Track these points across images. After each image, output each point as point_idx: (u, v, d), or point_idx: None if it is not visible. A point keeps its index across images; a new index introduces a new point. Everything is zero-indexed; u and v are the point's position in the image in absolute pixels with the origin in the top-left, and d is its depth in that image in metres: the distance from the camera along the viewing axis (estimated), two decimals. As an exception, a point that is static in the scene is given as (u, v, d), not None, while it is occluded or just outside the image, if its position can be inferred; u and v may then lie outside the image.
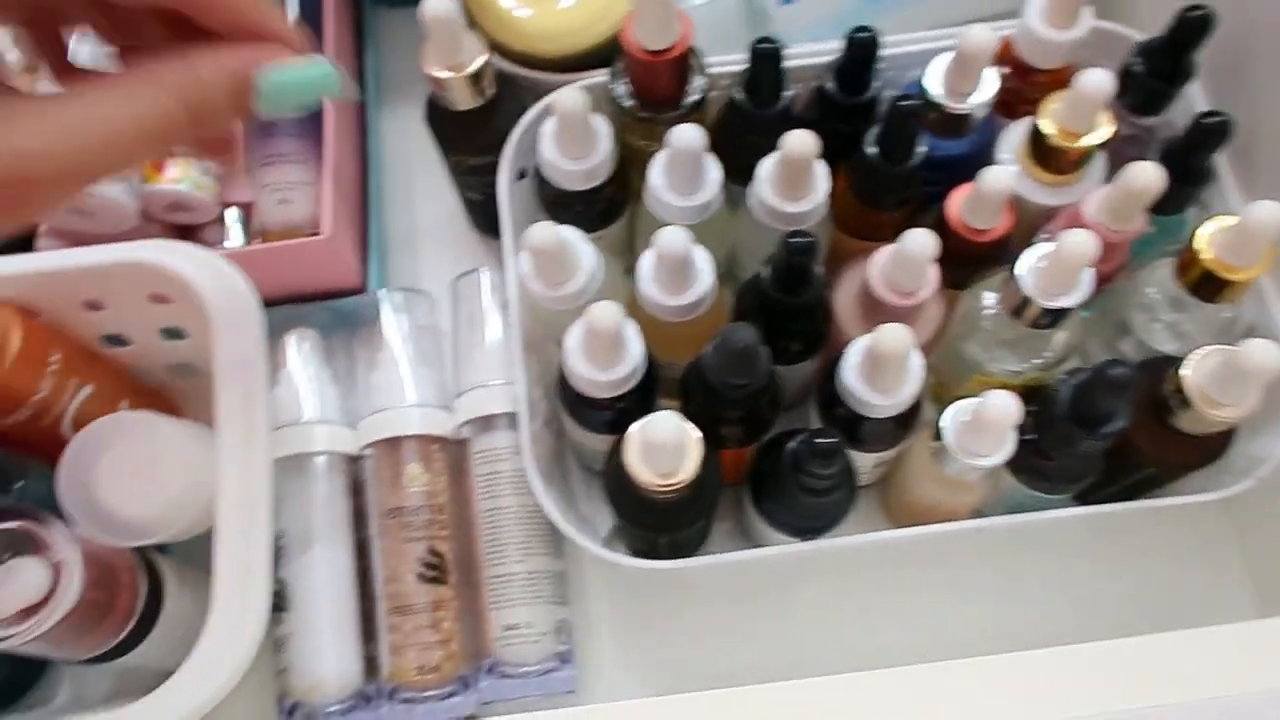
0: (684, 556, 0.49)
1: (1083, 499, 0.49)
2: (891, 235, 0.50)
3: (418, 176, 0.63)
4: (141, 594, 0.44)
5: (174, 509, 0.41)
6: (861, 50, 0.45)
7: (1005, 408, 0.40)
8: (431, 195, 0.62)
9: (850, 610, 0.54)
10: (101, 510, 0.40)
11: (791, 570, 0.54)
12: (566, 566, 0.53)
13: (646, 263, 0.44)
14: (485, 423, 0.52)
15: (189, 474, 0.42)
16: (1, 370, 0.45)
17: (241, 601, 0.41)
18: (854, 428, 0.45)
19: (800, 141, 0.42)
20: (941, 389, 0.51)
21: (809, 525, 0.45)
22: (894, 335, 0.39)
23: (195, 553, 0.48)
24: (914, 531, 0.46)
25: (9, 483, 0.44)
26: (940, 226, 0.47)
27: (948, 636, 0.53)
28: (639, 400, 0.47)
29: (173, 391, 0.55)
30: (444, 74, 0.47)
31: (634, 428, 0.41)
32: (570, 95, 0.43)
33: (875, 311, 0.47)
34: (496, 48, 0.53)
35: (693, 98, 0.47)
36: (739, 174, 0.47)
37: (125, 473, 0.42)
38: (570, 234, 0.44)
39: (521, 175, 0.52)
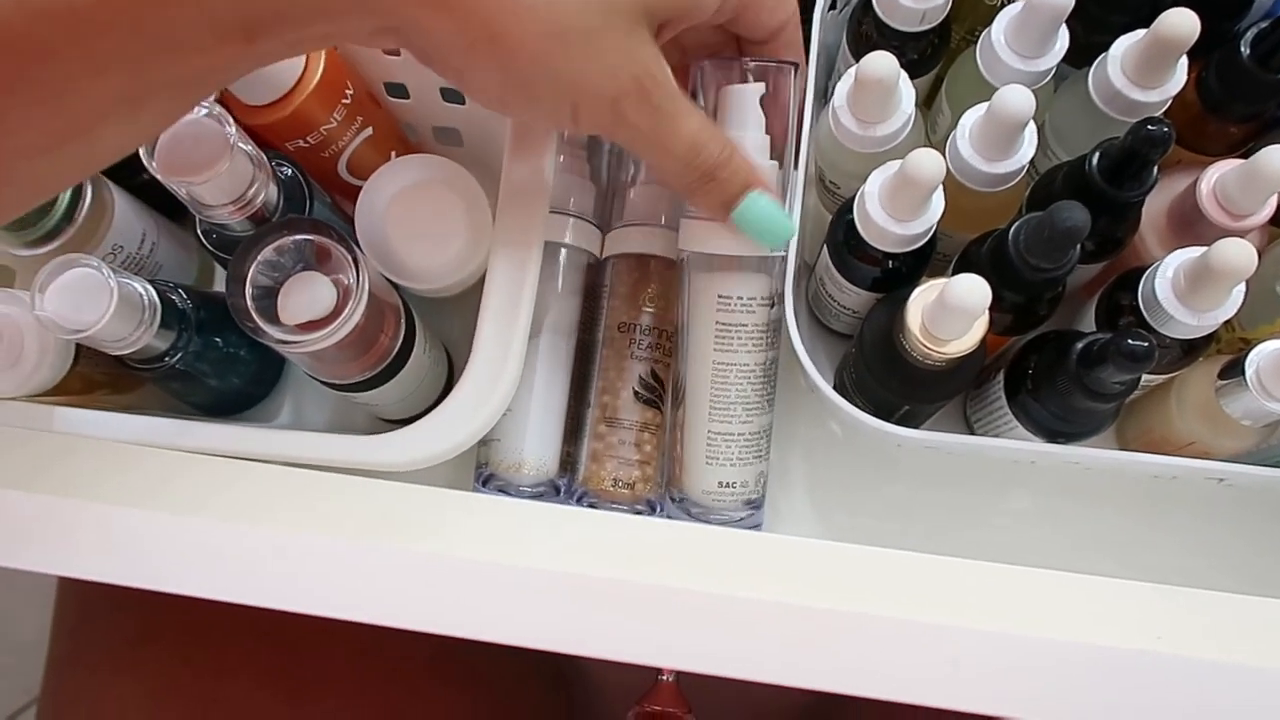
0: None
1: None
2: (1224, 151, 0.47)
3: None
4: (399, 338, 0.45)
5: (454, 265, 0.42)
6: (1270, -66, 0.40)
7: (1336, 356, 0.37)
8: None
9: (1055, 531, 0.52)
10: (391, 252, 0.41)
11: (1008, 471, 0.53)
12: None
13: (970, 121, 0.42)
14: (727, 262, 0.50)
15: (469, 233, 0.42)
16: (303, 94, 0.46)
17: (500, 363, 0.41)
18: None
19: (1183, 21, 0.38)
20: (1229, 326, 0.48)
21: (1068, 429, 0.43)
22: (1241, 251, 0.36)
23: (434, 317, 0.49)
24: (1171, 461, 0.44)
25: (305, 200, 0.45)
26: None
27: (1153, 578, 0.51)
28: (915, 263, 0.45)
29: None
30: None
31: (929, 288, 0.39)
32: (940, -79, 0.40)
33: (1189, 230, 0.44)
34: None
35: (1061, -48, 0.43)
36: (1078, 51, 0.43)
37: (413, 219, 0.42)
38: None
39: (834, 5, 0.50)
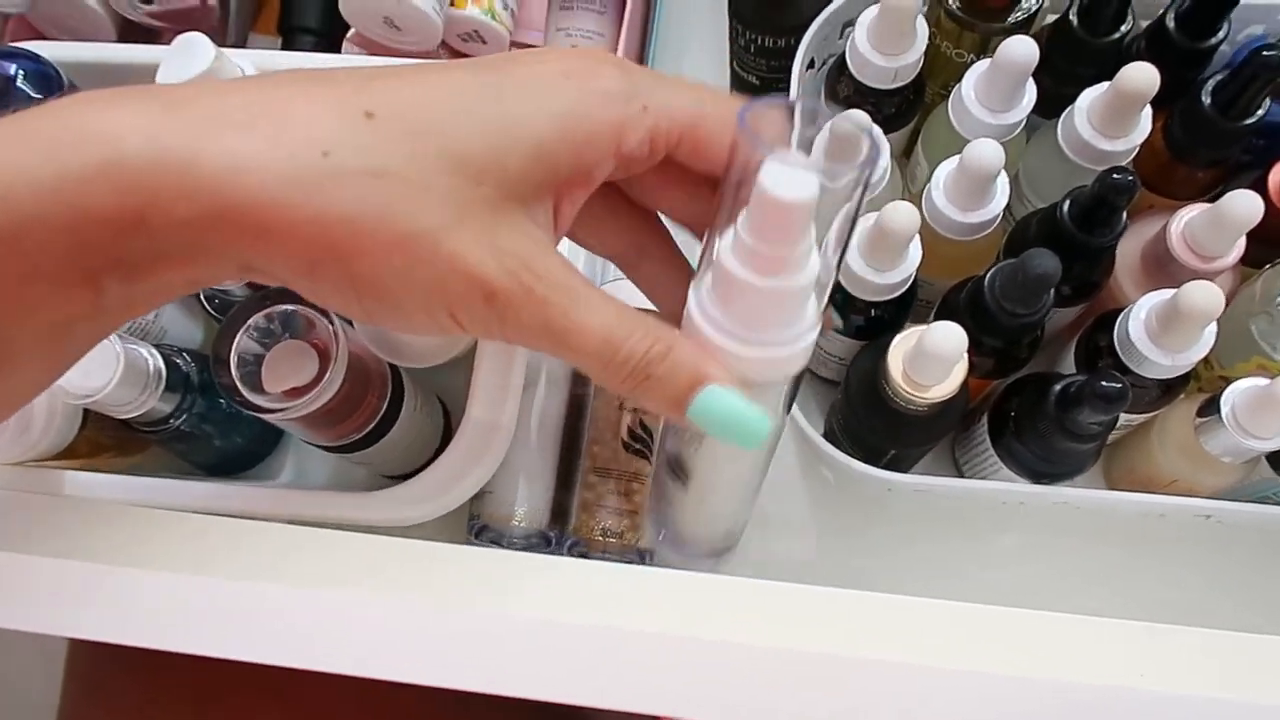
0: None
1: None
2: (1191, 194, 0.48)
3: (689, 54, 0.63)
4: (386, 399, 0.47)
5: (447, 339, 0.43)
6: (1225, -9, 0.42)
7: (1306, 393, 0.38)
8: (700, 74, 0.62)
9: (1046, 568, 0.53)
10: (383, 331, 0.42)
11: (994, 513, 0.53)
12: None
13: (943, 174, 0.43)
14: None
15: None
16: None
17: (494, 422, 0.42)
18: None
19: (1143, 75, 0.40)
20: (1207, 364, 0.49)
21: (1051, 470, 0.44)
22: (1207, 294, 0.38)
23: (428, 369, 0.50)
24: (1157, 499, 0.45)
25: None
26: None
27: (1143, 614, 0.51)
28: (896, 310, 0.46)
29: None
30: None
31: (908, 335, 0.41)
32: (907, -13, 0.42)
33: (1162, 271, 0.45)
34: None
35: (1024, 12, 0.45)
36: (1047, 102, 0.45)
37: None
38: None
39: (811, 65, 0.51)
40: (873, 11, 0.44)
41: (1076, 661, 0.36)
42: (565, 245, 0.45)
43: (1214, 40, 0.44)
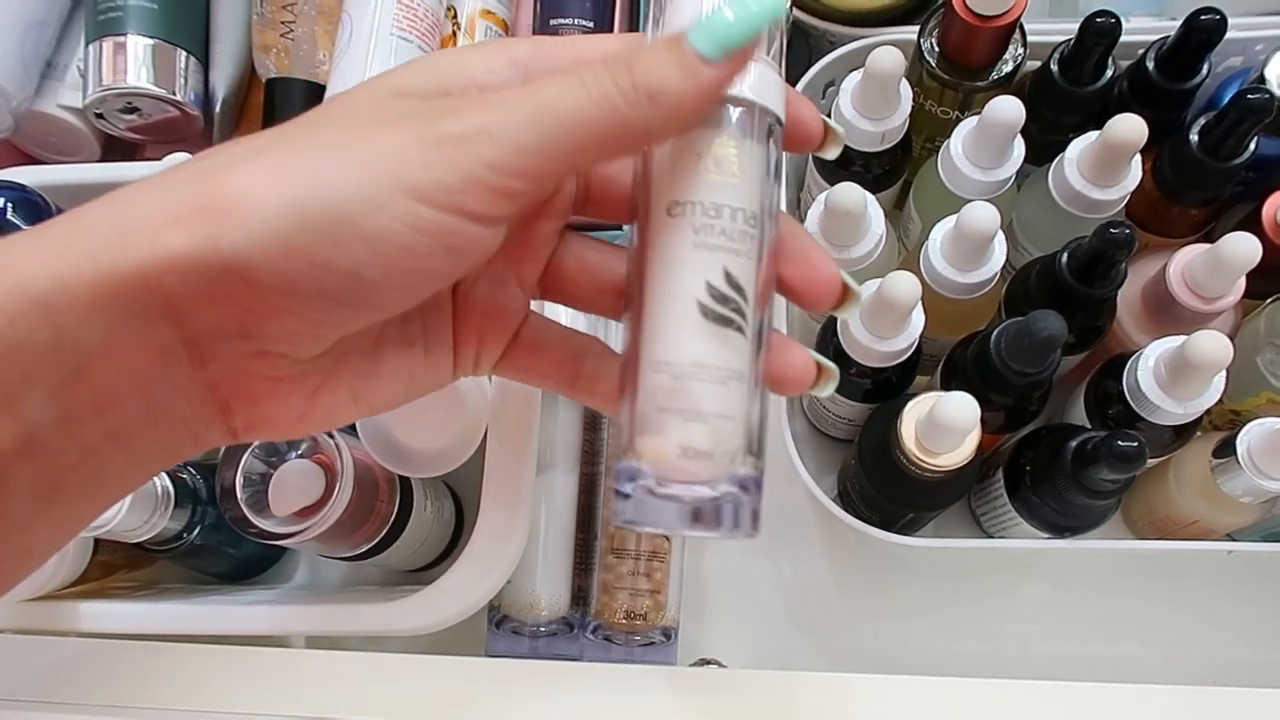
0: (913, 533, 0.48)
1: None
2: (1186, 232, 0.48)
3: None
4: (395, 504, 0.46)
5: (455, 447, 0.43)
6: (1204, 34, 0.42)
7: (1322, 434, 0.37)
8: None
9: (1074, 614, 0.52)
10: (392, 441, 0.42)
11: (1017, 565, 0.53)
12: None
13: (940, 235, 0.43)
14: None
15: (470, 413, 0.43)
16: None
17: (509, 519, 0.42)
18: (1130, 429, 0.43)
19: (1130, 126, 0.40)
20: (1218, 400, 0.49)
21: (1070, 524, 0.44)
22: (1216, 344, 0.37)
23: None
24: (1174, 545, 0.45)
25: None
26: (1248, 230, 0.44)
27: (1173, 656, 0.51)
28: (903, 373, 0.46)
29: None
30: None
31: (920, 403, 0.40)
32: (889, 54, 0.42)
33: (1164, 313, 0.45)
34: (785, -7, 0.52)
35: (1006, 68, 0.45)
36: (1035, 149, 0.45)
37: (415, 408, 0.43)
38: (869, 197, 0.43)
39: (796, 128, 0.51)
40: (855, 77, 0.44)
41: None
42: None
43: (1196, 81, 0.44)
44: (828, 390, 0.27)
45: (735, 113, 0.23)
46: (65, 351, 0.19)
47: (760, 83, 0.23)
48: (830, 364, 0.26)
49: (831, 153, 0.26)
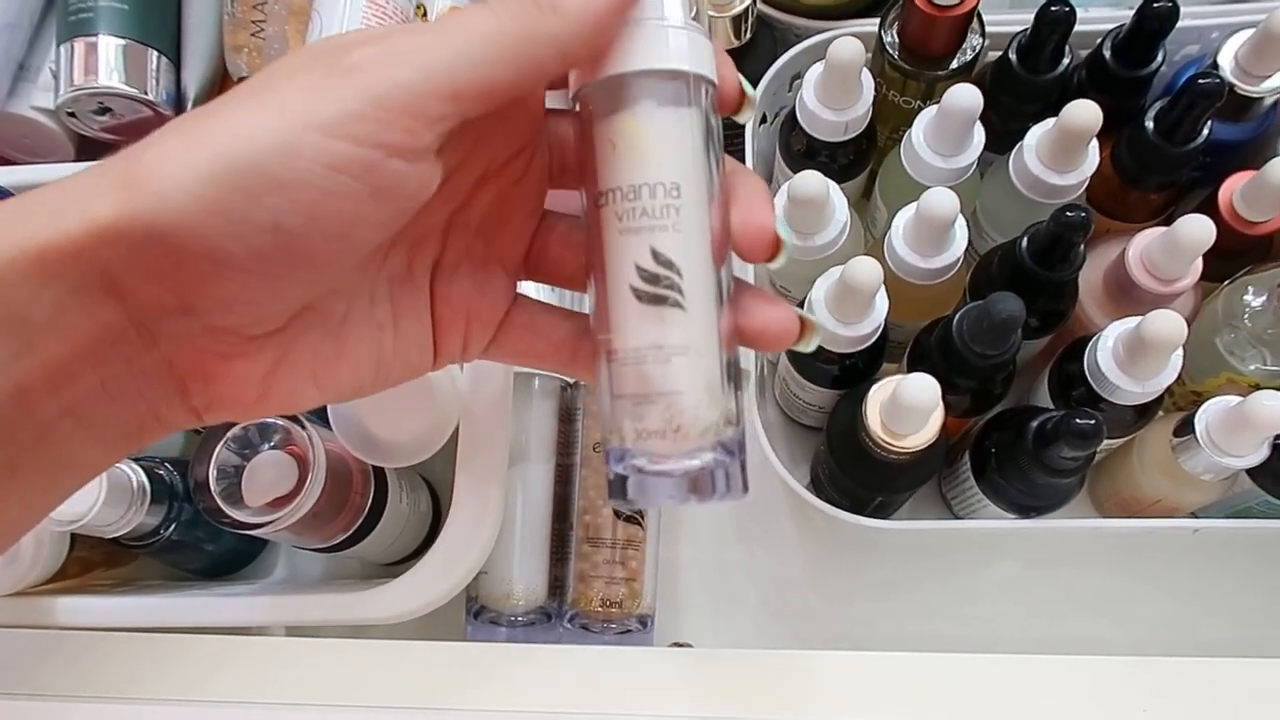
0: (885, 517, 0.49)
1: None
2: (1146, 217, 0.49)
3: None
4: (370, 496, 0.47)
5: (426, 437, 0.43)
6: (1156, 22, 0.43)
7: (1276, 409, 0.38)
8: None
9: (1043, 594, 0.53)
10: (364, 431, 0.43)
11: (988, 546, 0.54)
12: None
13: (902, 222, 0.44)
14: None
15: (443, 403, 0.44)
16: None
17: (481, 507, 0.42)
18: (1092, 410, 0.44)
19: (1085, 112, 0.41)
20: (1179, 381, 0.49)
21: (1035, 504, 0.45)
22: (1170, 324, 0.38)
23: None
24: (1140, 523, 0.45)
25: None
26: (1205, 213, 0.45)
27: (1142, 633, 0.52)
28: (870, 359, 0.47)
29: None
30: (709, 12, 0.47)
31: (884, 386, 0.41)
32: (848, 45, 0.42)
33: (1125, 296, 0.46)
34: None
35: (965, 58, 0.46)
36: (997, 138, 0.46)
37: (387, 398, 0.43)
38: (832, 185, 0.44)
39: (764, 120, 0.52)
40: (818, 68, 0.45)
41: (1073, 703, 0.36)
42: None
43: (1151, 68, 0.45)
44: (812, 345, 0.27)
45: (648, 84, 0.23)
46: (16, 326, 0.20)
47: (678, 48, 0.23)
48: (812, 317, 0.26)
49: (745, 115, 0.26)
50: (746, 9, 0.48)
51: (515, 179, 0.27)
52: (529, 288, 0.29)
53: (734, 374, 0.25)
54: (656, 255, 0.23)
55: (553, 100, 0.27)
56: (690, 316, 0.23)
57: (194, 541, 0.50)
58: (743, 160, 0.52)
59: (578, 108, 0.24)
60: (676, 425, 0.24)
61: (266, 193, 0.20)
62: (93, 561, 0.49)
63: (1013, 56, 0.46)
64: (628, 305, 0.23)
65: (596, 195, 0.24)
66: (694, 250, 0.23)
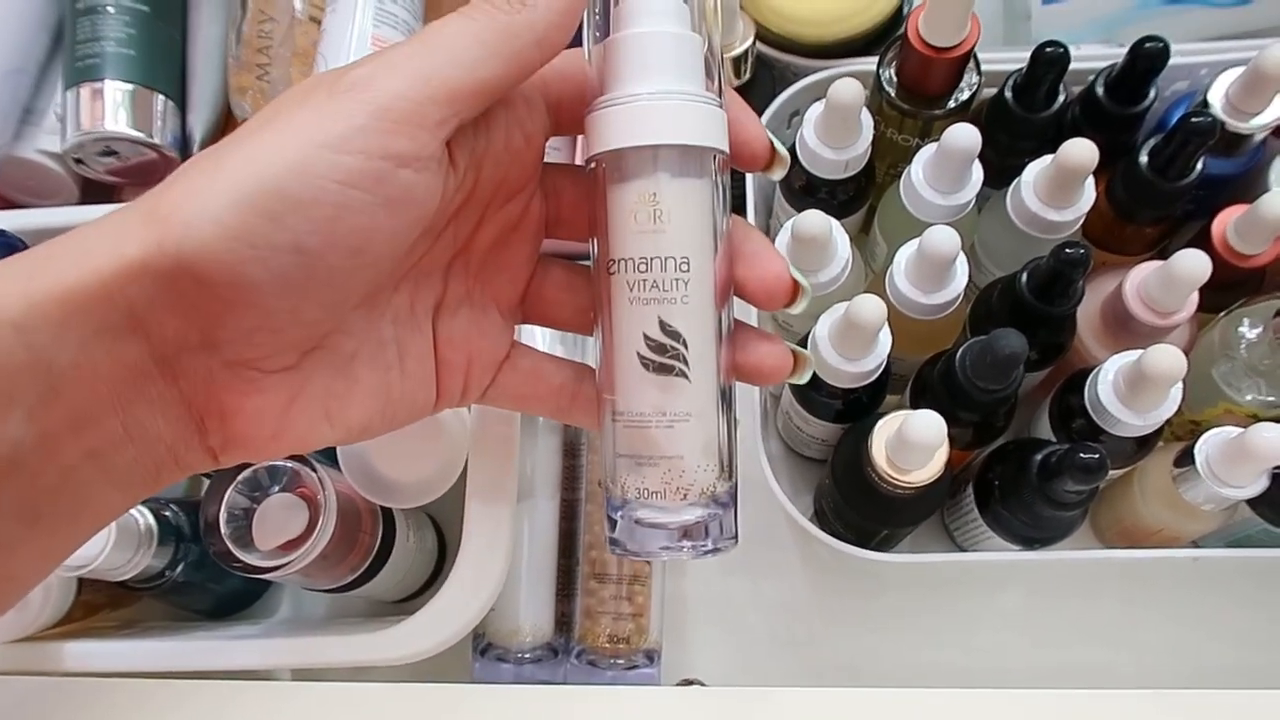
0: (889, 549, 0.49)
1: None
2: (1141, 250, 0.50)
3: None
4: (378, 535, 0.47)
5: (435, 477, 0.43)
6: (1149, 61, 0.44)
7: (1275, 441, 0.39)
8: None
9: (1048, 624, 0.53)
10: (373, 472, 0.43)
11: (991, 577, 0.54)
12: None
13: (904, 259, 0.45)
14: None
15: (451, 443, 0.44)
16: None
17: (490, 548, 0.42)
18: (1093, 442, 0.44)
19: (1082, 151, 0.41)
20: (1177, 412, 0.50)
21: (1039, 536, 0.45)
22: (1171, 359, 0.39)
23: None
24: (1141, 554, 0.46)
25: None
26: (1199, 247, 0.45)
27: (1145, 661, 0.52)
28: (873, 393, 0.47)
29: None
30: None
31: (889, 422, 0.42)
32: (849, 87, 0.43)
33: (1123, 328, 0.47)
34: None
35: (962, 96, 0.47)
36: (994, 173, 0.47)
37: (395, 439, 0.44)
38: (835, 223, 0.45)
39: (763, 157, 0.53)
40: (819, 108, 0.46)
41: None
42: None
43: (1144, 105, 0.46)
44: (805, 377, 0.28)
45: (665, 158, 0.24)
46: (40, 370, 0.20)
47: (693, 122, 0.24)
48: (805, 351, 0.28)
49: (778, 173, 0.27)
50: (746, 50, 0.48)
51: (513, 224, 0.28)
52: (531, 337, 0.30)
53: (731, 432, 0.26)
54: (664, 327, 0.24)
55: (550, 154, 0.28)
56: (694, 385, 0.24)
57: (199, 582, 0.50)
58: (744, 194, 0.53)
59: (592, 166, 0.25)
60: (676, 486, 0.25)
61: (287, 213, 0.21)
62: (97, 604, 0.49)
63: (1009, 95, 0.46)
64: (634, 371, 0.24)
65: (608, 262, 0.24)
66: (700, 320, 0.25)
